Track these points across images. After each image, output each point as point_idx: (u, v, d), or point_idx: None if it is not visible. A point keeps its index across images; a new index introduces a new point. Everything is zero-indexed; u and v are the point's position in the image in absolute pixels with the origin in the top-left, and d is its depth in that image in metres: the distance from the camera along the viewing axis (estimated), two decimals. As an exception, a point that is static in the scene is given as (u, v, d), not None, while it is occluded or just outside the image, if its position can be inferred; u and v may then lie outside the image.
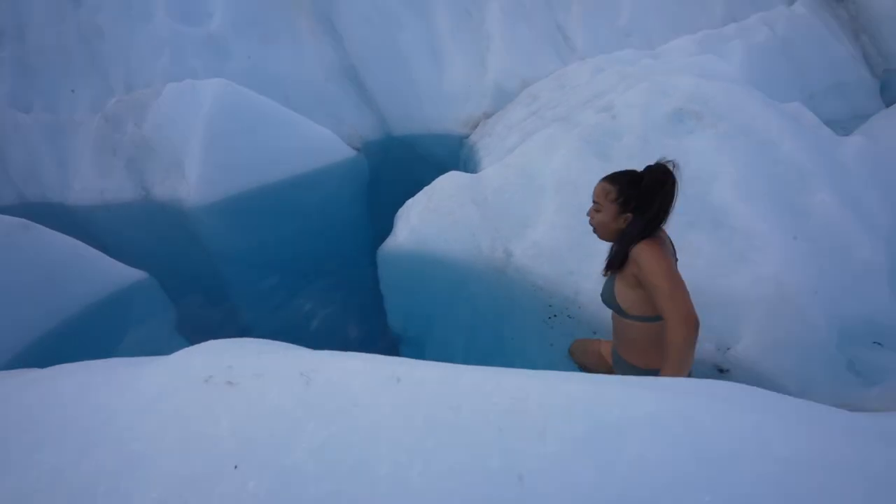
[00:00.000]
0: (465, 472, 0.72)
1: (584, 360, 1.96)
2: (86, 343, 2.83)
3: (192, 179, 4.41)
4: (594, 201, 1.53)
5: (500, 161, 3.27)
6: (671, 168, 1.41)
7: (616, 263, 1.47)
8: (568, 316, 2.48)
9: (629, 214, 1.45)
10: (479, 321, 2.69)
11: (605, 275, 1.57)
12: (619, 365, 1.64)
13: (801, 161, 2.45)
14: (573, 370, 2.03)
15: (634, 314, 1.47)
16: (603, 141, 2.87)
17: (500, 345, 2.53)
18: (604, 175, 1.53)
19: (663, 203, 1.41)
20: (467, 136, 5.90)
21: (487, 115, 6.04)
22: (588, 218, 1.57)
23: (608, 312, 1.67)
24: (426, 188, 3.37)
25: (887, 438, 0.78)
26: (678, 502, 0.66)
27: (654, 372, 1.51)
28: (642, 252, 1.38)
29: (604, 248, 1.62)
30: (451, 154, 5.65)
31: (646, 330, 1.48)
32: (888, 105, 5.88)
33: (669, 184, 1.40)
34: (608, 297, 1.53)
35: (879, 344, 2.09)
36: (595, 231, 1.56)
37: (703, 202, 2.41)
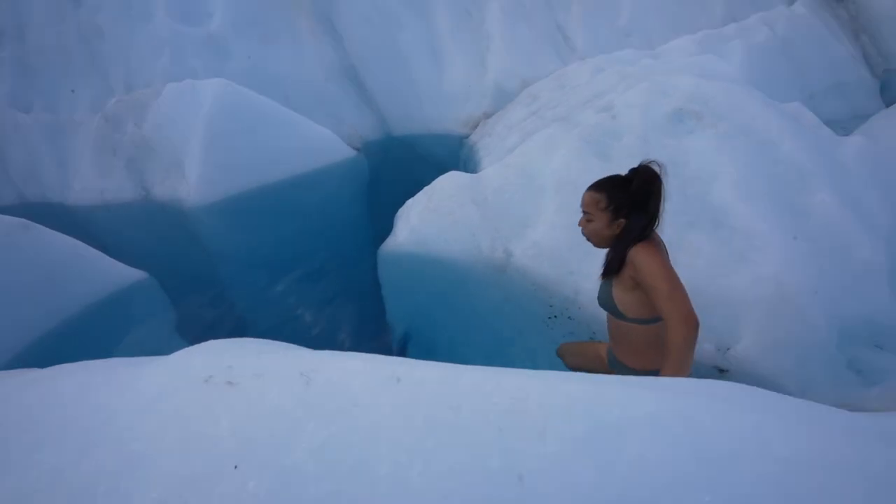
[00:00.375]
0: (465, 472, 0.72)
1: (577, 362, 1.94)
2: (86, 343, 2.83)
3: (192, 179, 4.41)
4: (584, 211, 1.51)
5: (500, 161, 3.27)
6: (656, 169, 1.41)
7: (614, 269, 1.47)
8: (568, 317, 2.48)
9: (622, 220, 1.44)
10: (479, 321, 2.69)
11: (601, 279, 1.56)
12: (615, 367, 1.64)
13: (801, 161, 2.45)
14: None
15: (632, 317, 1.47)
16: (603, 141, 2.87)
17: (500, 345, 2.53)
18: (591, 182, 1.51)
19: (655, 205, 1.41)
20: (467, 136, 5.90)
21: (487, 115, 6.04)
22: (580, 228, 1.56)
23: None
24: (426, 188, 3.37)
25: (887, 438, 0.78)
26: (678, 502, 0.66)
27: (652, 374, 1.51)
28: (639, 254, 1.38)
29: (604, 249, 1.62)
30: (451, 154, 5.65)
31: (643, 332, 1.48)
32: (888, 105, 5.88)
33: (658, 184, 1.40)
34: (606, 301, 1.53)
35: (879, 347, 2.09)
36: (589, 240, 1.55)
37: (703, 202, 2.41)
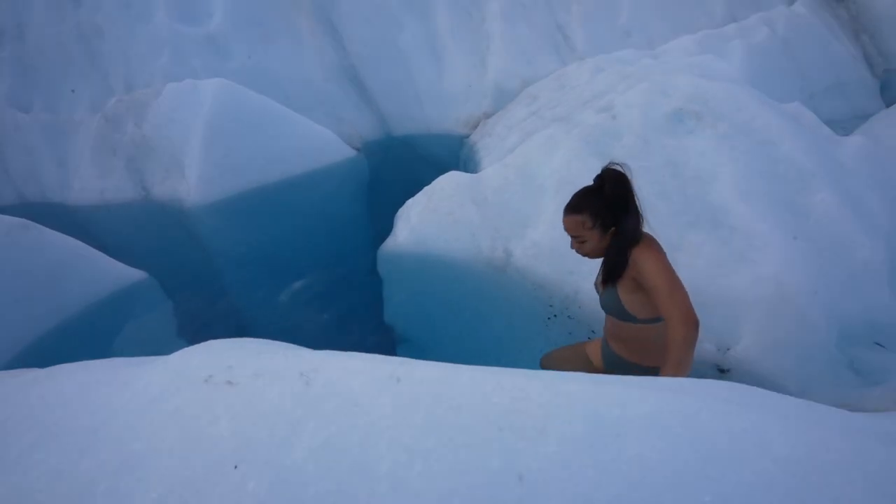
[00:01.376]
0: (465, 472, 0.72)
1: (568, 368, 1.91)
2: (86, 343, 2.83)
3: (192, 179, 4.41)
4: (573, 236, 1.49)
5: (500, 161, 3.27)
6: (619, 168, 1.40)
7: (619, 273, 1.45)
8: (568, 316, 2.48)
9: (612, 228, 1.44)
10: (479, 321, 2.69)
11: (603, 286, 1.53)
12: (618, 365, 1.63)
13: (801, 161, 2.45)
14: (573, 370, 2.01)
15: (644, 318, 1.46)
16: (603, 141, 2.87)
17: (500, 345, 2.53)
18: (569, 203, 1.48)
19: (634, 202, 1.41)
20: (467, 136, 5.91)
21: (487, 115, 6.04)
22: (574, 251, 1.53)
23: (608, 312, 1.67)
24: (426, 188, 3.37)
25: (887, 438, 0.78)
26: (678, 502, 0.66)
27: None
28: (642, 255, 1.38)
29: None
30: (451, 154, 5.65)
31: (654, 331, 1.47)
32: (888, 105, 5.88)
33: (628, 182, 1.40)
34: (614, 307, 1.50)
35: (880, 345, 2.09)
36: (587, 256, 1.54)
37: (703, 202, 2.41)
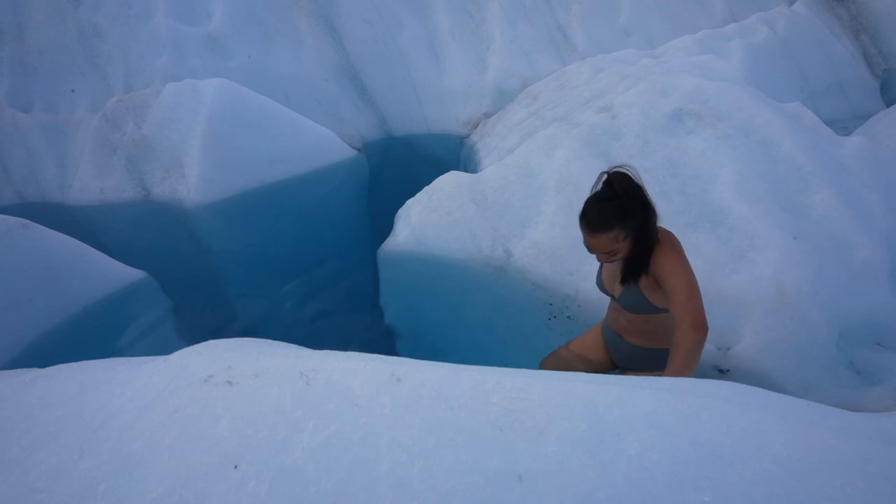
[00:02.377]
0: (465, 472, 0.72)
1: (567, 368, 1.90)
2: (86, 343, 2.83)
3: (192, 179, 4.41)
4: (605, 253, 1.43)
5: (500, 161, 3.27)
6: (624, 170, 1.38)
7: (643, 269, 1.43)
8: (568, 317, 2.48)
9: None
10: (478, 321, 2.69)
11: (621, 286, 1.50)
12: (647, 358, 1.62)
13: (801, 161, 2.45)
14: (573, 370, 2.01)
15: (665, 306, 1.46)
16: (603, 141, 2.87)
17: (499, 345, 2.53)
18: (588, 226, 1.42)
19: (648, 200, 1.40)
20: (467, 136, 5.91)
21: (487, 115, 6.04)
22: (608, 264, 1.52)
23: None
24: (426, 188, 3.37)
25: (886, 438, 0.78)
26: (678, 501, 0.66)
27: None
28: (663, 257, 1.38)
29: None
30: (451, 154, 5.65)
31: None
32: (888, 105, 5.88)
33: (634, 182, 1.38)
34: (640, 305, 1.48)
35: (879, 346, 2.09)
36: (615, 261, 1.52)
37: (703, 202, 2.41)
